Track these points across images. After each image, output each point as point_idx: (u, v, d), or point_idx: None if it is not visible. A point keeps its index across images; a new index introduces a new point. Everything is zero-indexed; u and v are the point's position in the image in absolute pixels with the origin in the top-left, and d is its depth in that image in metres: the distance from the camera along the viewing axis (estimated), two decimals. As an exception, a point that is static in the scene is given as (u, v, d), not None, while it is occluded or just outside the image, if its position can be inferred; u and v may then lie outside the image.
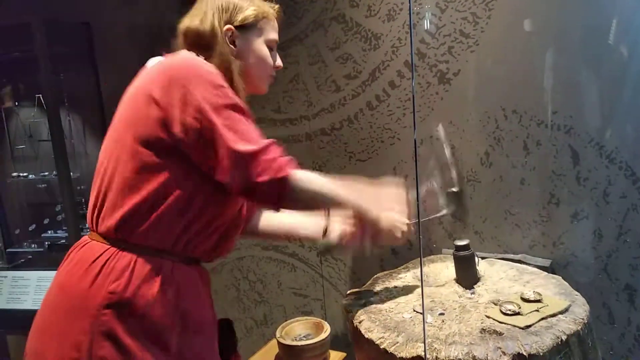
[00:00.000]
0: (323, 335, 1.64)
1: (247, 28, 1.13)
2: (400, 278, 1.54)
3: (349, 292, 1.48)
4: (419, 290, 1.40)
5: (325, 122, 1.85)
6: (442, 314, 1.28)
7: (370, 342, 1.21)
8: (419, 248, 1.06)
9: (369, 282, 1.54)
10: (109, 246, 1.04)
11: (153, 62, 1.14)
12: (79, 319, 1.00)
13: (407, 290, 1.41)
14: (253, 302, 2.10)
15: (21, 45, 2.15)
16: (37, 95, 2.24)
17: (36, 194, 2.34)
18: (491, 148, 1.60)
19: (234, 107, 1.01)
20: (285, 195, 1.02)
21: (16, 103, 2.36)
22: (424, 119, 1.69)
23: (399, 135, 1.74)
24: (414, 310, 1.31)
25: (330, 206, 1.18)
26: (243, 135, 0.99)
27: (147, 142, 1.01)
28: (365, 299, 1.38)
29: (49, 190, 2.31)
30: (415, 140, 1.63)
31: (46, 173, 2.29)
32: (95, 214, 1.08)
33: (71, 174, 2.12)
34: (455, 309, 1.30)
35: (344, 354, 1.73)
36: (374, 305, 1.35)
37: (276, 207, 1.09)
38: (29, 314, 2.07)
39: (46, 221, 2.30)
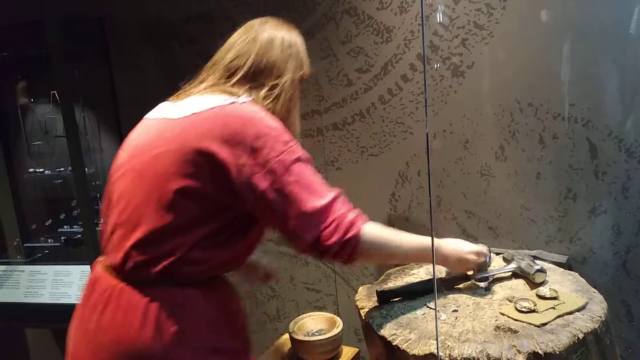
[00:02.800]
0: (336, 331, 1.64)
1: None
2: (413, 274, 1.52)
3: (361, 287, 1.48)
4: (429, 287, 1.38)
5: (336, 116, 1.84)
6: (455, 310, 1.26)
7: (382, 338, 1.20)
8: (431, 244, 1.04)
9: (382, 277, 1.53)
10: (150, 296, 0.96)
11: (190, 105, 1.03)
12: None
13: (420, 286, 1.39)
14: (266, 296, 2.11)
15: (36, 42, 2.17)
16: (52, 92, 2.27)
17: (52, 189, 2.37)
18: (506, 142, 1.57)
19: (301, 160, 0.99)
20: (355, 254, 1.02)
21: (32, 99, 2.39)
22: (437, 113, 1.67)
23: (411, 130, 1.72)
24: (427, 307, 1.29)
25: (400, 256, 1.17)
26: (311, 190, 0.97)
27: (197, 197, 0.95)
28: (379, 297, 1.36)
29: (64, 186, 2.33)
30: (427, 135, 1.59)
31: (62, 169, 2.32)
32: (128, 251, 0.98)
33: (86, 169, 2.15)
34: (468, 305, 1.28)
35: (357, 350, 1.73)
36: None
37: (346, 264, 1.08)
38: (46, 308, 2.13)
39: (62, 216, 2.33)
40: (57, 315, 2.08)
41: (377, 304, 1.34)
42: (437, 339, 1.04)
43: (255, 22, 1.16)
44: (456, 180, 1.65)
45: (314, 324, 1.73)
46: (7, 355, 2.46)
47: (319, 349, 1.61)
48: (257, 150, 0.94)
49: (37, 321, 2.19)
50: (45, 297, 2.14)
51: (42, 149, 2.39)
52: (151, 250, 0.96)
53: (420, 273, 1.52)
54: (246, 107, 1.00)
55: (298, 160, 0.97)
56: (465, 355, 1.07)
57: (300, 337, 1.63)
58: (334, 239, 0.97)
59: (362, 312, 1.33)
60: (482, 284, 1.35)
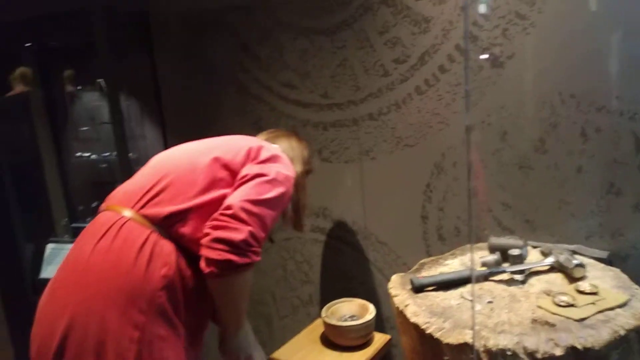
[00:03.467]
0: (368, 317, 1.67)
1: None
2: (447, 264, 1.53)
3: (394, 276, 1.50)
4: (464, 277, 1.39)
5: (372, 107, 1.85)
6: (490, 302, 1.27)
7: (415, 326, 1.23)
8: (469, 234, 1.04)
9: (415, 267, 1.55)
10: (150, 231, 1.15)
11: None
12: (138, 300, 1.08)
13: (455, 276, 1.40)
14: (299, 281, 2.16)
15: (82, 31, 2.26)
16: (98, 80, 2.36)
17: (98, 173, 2.48)
18: (546, 134, 1.55)
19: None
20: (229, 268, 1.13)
21: (79, 87, 2.50)
22: (475, 105, 1.65)
23: (448, 121, 1.71)
24: (462, 297, 1.31)
25: (235, 306, 1.24)
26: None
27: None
28: (412, 284, 1.38)
29: (109, 170, 2.44)
30: (467, 127, 1.58)
31: (107, 153, 2.42)
32: (146, 195, 1.19)
33: (130, 154, 2.24)
34: (504, 297, 1.28)
35: (389, 337, 1.76)
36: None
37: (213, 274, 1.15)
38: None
39: (106, 200, 2.44)
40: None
41: (410, 292, 1.37)
42: (473, 328, 1.05)
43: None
44: (493, 172, 1.64)
45: (347, 310, 1.77)
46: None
47: (351, 334, 1.65)
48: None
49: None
50: (91, 275, 2.25)
51: (89, 135, 2.50)
52: (175, 205, 1.18)
53: (454, 264, 1.53)
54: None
55: (280, 194, 1.26)
56: (500, 346, 1.08)
57: (333, 321, 1.67)
58: (235, 259, 1.13)
59: (396, 300, 1.35)
60: (518, 277, 1.35)
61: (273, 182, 1.23)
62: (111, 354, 1.05)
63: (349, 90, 1.88)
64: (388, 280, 1.91)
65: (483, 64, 1.61)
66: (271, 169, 1.25)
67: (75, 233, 2.45)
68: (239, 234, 1.11)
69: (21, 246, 2.38)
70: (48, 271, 2.34)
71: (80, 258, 1.15)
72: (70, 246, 2.36)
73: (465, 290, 1.35)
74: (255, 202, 1.16)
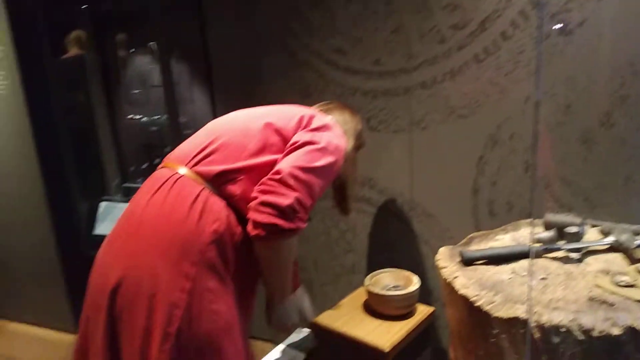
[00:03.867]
0: (412, 288, 1.66)
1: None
2: (498, 239, 1.50)
3: (442, 248, 1.47)
4: (518, 252, 1.35)
5: (426, 75, 1.79)
6: (544, 278, 1.23)
7: (464, 298, 1.21)
8: (531, 208, 1.00)
9: (464, 240, 1.52)
10: (202, 187, 1.17)
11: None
12: (189, 253, 1.11)
13: (507, 250, 1.36)
14: (342, 250, 2.17)
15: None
16: (149, 44, 2.39)
17: (148, 135, 2.55)
18: (614, 107, 1.46)
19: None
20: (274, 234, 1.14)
21: (131, 50, 2.54)
22: (534, 74, 1.57)
23: (506, 91, 1.64)
24: (513, 272, 1.27)
25: (280, 273, 1.26)
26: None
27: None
28: (462, 256, 1.36)
29: (159, 132, 2.50)
30: (538, 102, 1.50)
31: (157, 116, 2.48)
32: (200, 154, 1.22)
33: (179, 118, 2.28)
34: (559, 274, 1.24)
35: (432, 309, 1.75)
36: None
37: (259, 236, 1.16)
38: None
39: (156, 161, 2.51)
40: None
41: (459, 265, 1.34)
42: (529, 302, 1.02)
43: None
44: (553, 145, 1.57)
45: (390, 280, 1.76)
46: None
47: (395, 303, 1.65)
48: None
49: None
50: (141, 233, 2.35)
51: (140, 98, 2.55)
52: (226, 164, 1.20)
53: (506, 239, 1.49)
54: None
55: (330, 164, 1.25)
56: (555, 323, 1.05)
57: (376, 290, 1.67)
58: (278, 223, 1.13)
59: (444, 272, 1.34)
60: (574, 255, 1.30)
61: (323, 150, 1.22)
62: (162, 303, 1.08)
63: (401, 58, 1.82)
64: (434, 252, 1.89)
65: (550, 31, 1.52)
66: (322, 137, 1.24)
67: (126, 193, 2.54)
68: (286, 199, 1.11)
69: (77, 204, 2.49)
70: (101, 228, 2.45)
71: (135, 211, 1.19)
72: (122, 205, 2.47)
73: (517, 265, 1.31)
74: (304, 169, 1.16)
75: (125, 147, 2.63)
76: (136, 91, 2.55)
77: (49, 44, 2.40)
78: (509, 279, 1.25)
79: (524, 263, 1.32)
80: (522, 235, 1.51)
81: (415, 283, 1.69)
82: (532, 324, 1.08)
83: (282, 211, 1.11)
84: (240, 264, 1.21)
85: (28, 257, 2.62)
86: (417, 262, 1.97)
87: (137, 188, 2.56)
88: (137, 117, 2.56)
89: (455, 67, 1.72)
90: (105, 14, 2.58)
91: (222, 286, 1.15)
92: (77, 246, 2.50)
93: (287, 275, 1.26)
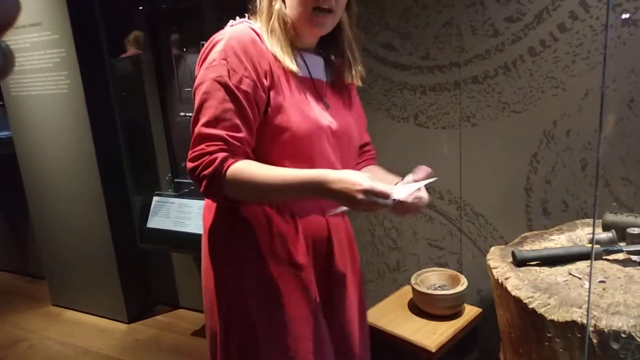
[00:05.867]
0: (460, 288, 1.62)
1: None
2: (553, 240, 1.43)
3: (493, 247, 1.43)
4: (575, 254, 1.29)
5: (477, 69, 1.74)
6: (602, 281, 1.17)
7: (516, 300, 1.17)
8: (594, 208, 0.95)
9: (516, 240, 1.47)
10: None
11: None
12: None
13: (563, 252, 1.31)
14: (387, 248, 2.15)
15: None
16: (202, 42, 2.45)
17: (198, 132, 2.61)
18: (684, 102, 1.36)
19: (217, 80, 0.96)
20: (219, 193, 0.97)
21: (184, 50, 2.62)
22: (593, 67, 1.50)
23: (564, 85, 1.57)
24: (569, 274, 1.22)
25: (275, 192, 0.97)
26: (204, 112, 0.97)
27: None
28: (514, 257, 1.31)
29: (209, 130, 2.55)
30: (602, 95, 1.42)
31: (207, 114, 2.53)
32: None
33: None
34: (619, 278, 1.18)
35: (480, 310, 1.70)
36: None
37: (213, 200, 1.07)
38: (191, 237, 2.41)
39: (206, 157, 2.57)
40: (200, 244, 2.34)
41: (511, 265, 1.30)
42: (588, 305, 0.97)
43: None
44: (614, 143, 1.49)
45: (437, 279, 1.73)
46: (156, 273, 2.86)
47: (442, 303, 1.62)
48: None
49: (182, 247, 2.50)
50: (190, 226, 2.42)
51: (191, 96, 2.62)
52: None
53: (561, 240, 1.43)
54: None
55: (215, 79, 0.97)
56: (614, 328, 1.00)
57: (423, 289, 1.64)
58: (202, 174, 0.94)
59: (495, 272, 1.30)
60: (636, 257, 1.23)
61: (200, 85, 1.00)
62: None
63: (452, 52, 1.78)
64: (482, 252, 1.85)
65: (612, 22, 1.44)
66: (202, 71, 1.00)
67: (177, 188, 2.62)
68: (188, 165, 1.03)
69: (131, 198, 2.60)
70: (153, 222, 2.54)
71: None
72: (173, 199, 2.55)
73: (573, 267, 1.26)
74: (193, 123, 1.01)
75: (176, 144, 2.71)
76: (188, 89, 2.62)
77: (108, 44, 2.51)
78: (565, 281, 1.19)
79: (580, 265, 1.26)
80: (578, 235, 1.44)
81: (462, 283, 1.65)
82: (590, 329, 1.02)
83: (192, 177, 0.97)
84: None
85: (85, 248, 2.75)
86: (464, 262, 1.92)
87: (187, 183, 2.65)
88: (189, 114, 2.63)
89: (508, 61, 1.66)
90: (160, 14, 2.67)
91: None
92: (131, 238, 2.60)
93: (279, 187, 0.96)
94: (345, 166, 1.11)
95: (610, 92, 1.46)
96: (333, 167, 1.05)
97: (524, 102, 1.65)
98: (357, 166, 1.23)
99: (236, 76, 0.96)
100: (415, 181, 1.05)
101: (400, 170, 1.13)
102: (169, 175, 2.68)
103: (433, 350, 1.49)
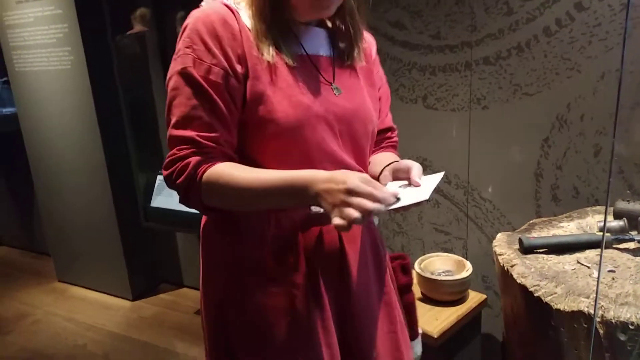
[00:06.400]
0: (465, 274, 1.59)
1: None
2: (562, 227, 1.40)
3: (500, 234, 1.39)
4: (585, 242, 1.25)
5: (489, 49, 1.68)
6: (612, 271, 1.14)
7: (522, 288, 1.14)
8: (607, 193, 0.91)
9: (524, 226, 1.43)
10: None
11: None
12: None
13: (572, 239, 1.27)
14: (392, 232, 2.12)
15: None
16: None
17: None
18: None
19: (182, 72, 0.82)
20: (196, 201, 0.85)
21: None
22: (611, 48, 1.44)
23: (579, 67, 1.51)
24: (578, 263, 1.18)
25: (253, 197, 0.84)
26: (172, 112, 0.84)
27: None
28: (521, 244, 1.28)
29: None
30: (620, 78, 1.36)
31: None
32: None
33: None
34: (629, 267, 1.14)
35: (484, 296, 1.68)
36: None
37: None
38: (195, 216, 2.37)
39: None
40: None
41: (517, 252, 1.26)
42: (596, 295, 0.94)
43: None
44: (629, 128, 1.43)
45: (441, 265, 1.70)
46: (161, 251, 2.87)
47: (446, 289, 1.59)
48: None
49: (186, 227, 2.49)
50: (194, 207, 2.40)
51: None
52: None
53: (570, 227, 1.39)
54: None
55: (179, 72, 0.82)
56: (622, 319, 0.97)
57: (427, 274, 1.62)
58: (177, 182, 0.82)
59: (501, 259, 1.26)
60: (649, 247, 1.19)
61: (172, 76, 0.86)
62: None
63: (464, 31, 1.72)
64: (488, 238, 1.81)
65: (633, 0, 1.37)
66: (174, 61, 0.86)
67: (181, 167, 2.60)
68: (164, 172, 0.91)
69: (135, 177, 2.58)
70: (157, 201, 2.53)
71: None
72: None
73: (582, 256, 1.22)
74: (167, 124, 0.89)
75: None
76: (192, 67, 2.58)
77: (112, 21, 2.46)
78: (573, 269, 1.16)
79: (590, 253, 1.23)
80: (588, 223, 1.40)
81: (467, 269, 1.62)
82: (597, 319, 0.99)
83: (168, 185, 0.86)
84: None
85: (90, 226, 2.75)
86: (470, 248, 1.89)
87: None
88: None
89: (522, 41, 1.60)
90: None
91: None
92: (135, 217, 2.60)
93: (259, 193, 0.83)
94: (357, 158, 0.95)
95: (627, 75, 1.40)
96: (338, 163, 0.90)
97: (537, 85, 1.60)
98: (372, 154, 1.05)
99: (203, 66, 0.82)
100: (407, 184, 0.88)
101: (407, 155, 1.09)
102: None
103: (435, 336, 1.47)
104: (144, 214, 2.58)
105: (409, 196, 0.82)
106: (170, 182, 0.84)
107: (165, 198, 2.54)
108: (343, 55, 0.97)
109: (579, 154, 1.56)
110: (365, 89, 0.98)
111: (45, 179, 2.84)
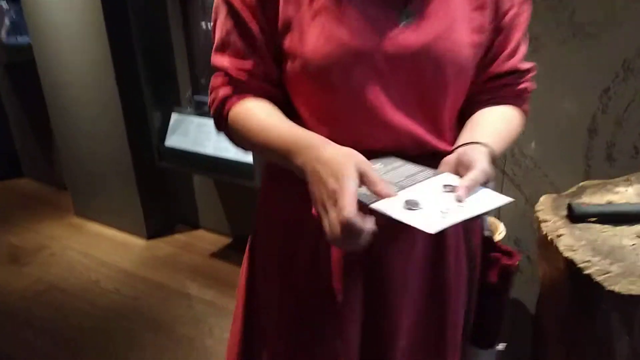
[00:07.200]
0: (497, 237, 1.45)
1: None
2: (618, 192, 1.21)
3: (544, 196, 1.22)
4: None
5: (549, -20, 1.43)
6: (679, 249, 0.97)
7: (569, 262, 0.98)
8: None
9: (572, 189, 1.25)
10: None
11: None
12: None
13: (630, 208, 1.09)
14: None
15: None
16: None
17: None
18: None
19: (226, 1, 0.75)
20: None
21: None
22: None
23: (659, 3, 1.26)
24: (639, 237, 1.02)
25: (266, 146, 0.73)
26: (215, 38, 0.79)
27: None
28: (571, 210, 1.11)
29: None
30: None
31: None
32: None
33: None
34: (702, 247, 0.97)
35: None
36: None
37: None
38: (210, 159, 2.28)
39: (227, 74, 2.37)
40: (220, 166, 2.22)
41: (565, 220, 1.10)
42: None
43: None
44: None
45: (471, 225, 1.55)
46: (177, 191, 2.80)
47: (475, 252, 1.45)
48: None
49: (201, 169, 2.38)
50: (209, 148, 2.27)
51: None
52: None
53: (628, 193, 1.21)
54: None
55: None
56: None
57: (455, 235, 1.48)
58: (212, 112, 0.81)
59: (544, 227, 1.10)
60: None
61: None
62: None
63: (520, -44, 1.46)
64: (527, 200, 1.64)
65: None
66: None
67: (198, 106, 2.45)
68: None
69: (149, 112, 2.46)
70: (172, 140, 2.42)
71: None
72: (192, 117, 2.40)
73: (643, 228, 1.05)
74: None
75: (198, 57, 2.50)
76: (210, -4, 2.36)
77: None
78: (633, 245, 0.99)
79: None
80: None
81: (500, 232, 1.48)
82: (660, 307, 0.84)
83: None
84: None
85: (107, 163, 2.69)
86: (504, 208, 1.72)
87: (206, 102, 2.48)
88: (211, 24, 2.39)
89: (590, -31, 1.34)
90: None
91: None
92: (149, 156, 2.50)
93: (262, 149, 0.75)
94: (427, 120, 0.74)
95: None
96: (390, 127, 0.72)
97: (602, 23, 1.35)
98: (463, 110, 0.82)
99: None
100: (452, 188, 0.62)
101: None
102: (190, 91, 2.51)
103: (459, 302, 1.35)
104: (157, 153, 2.48)
105: (429, 210, 0.57)
106: (209, 110, 0.82)
107: (180, 137, 2.42)
108: None
109: (646, 108, 1.34)
110: (460, 12, 0.71)
111: (60, 109, 2.77)
